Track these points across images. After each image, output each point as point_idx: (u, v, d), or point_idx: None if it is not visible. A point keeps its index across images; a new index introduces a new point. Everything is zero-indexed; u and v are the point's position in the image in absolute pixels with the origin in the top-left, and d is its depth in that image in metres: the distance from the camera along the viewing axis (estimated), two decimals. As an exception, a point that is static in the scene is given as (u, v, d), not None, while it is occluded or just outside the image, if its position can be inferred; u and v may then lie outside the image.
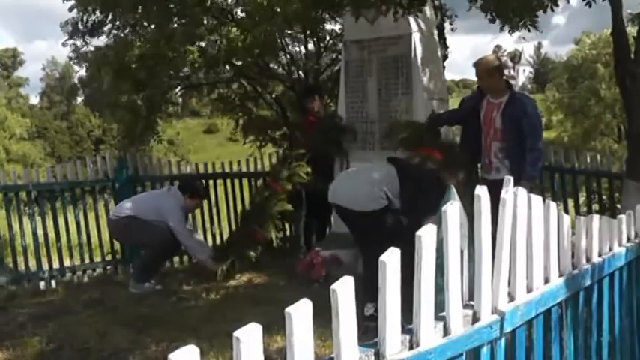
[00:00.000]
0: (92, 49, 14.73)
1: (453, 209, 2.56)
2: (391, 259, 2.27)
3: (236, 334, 1.83)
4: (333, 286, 2.10)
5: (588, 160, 9.61)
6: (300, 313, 1.98)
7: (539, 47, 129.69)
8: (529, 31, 7.77)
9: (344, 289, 2.11)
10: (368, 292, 3.76)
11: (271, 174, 9.31)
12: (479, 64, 7.71)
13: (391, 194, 6.68)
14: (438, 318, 2.57)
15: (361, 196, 6.68)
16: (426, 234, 2.40)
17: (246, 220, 9.18)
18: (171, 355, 1.75)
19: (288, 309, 1.97)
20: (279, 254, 9.61)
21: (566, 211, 9.40)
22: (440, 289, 2.60)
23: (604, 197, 9.69)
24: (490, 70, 7.61)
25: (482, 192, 2.74)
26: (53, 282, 9.51)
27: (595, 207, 9.66)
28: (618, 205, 8.76)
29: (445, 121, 8.49)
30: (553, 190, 9.76)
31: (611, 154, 9.79)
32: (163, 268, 9.17)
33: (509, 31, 8.04)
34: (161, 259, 8.98)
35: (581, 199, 10.18)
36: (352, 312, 2.14)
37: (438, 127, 8.35)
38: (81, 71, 17.81)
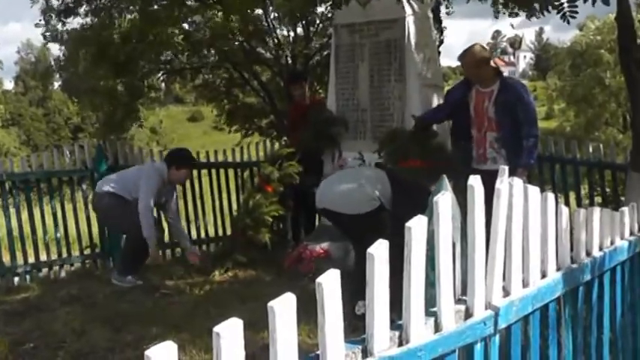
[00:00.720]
0: (65, 28, 14.61)
1: (444, 199, 2.57)
2: (379, 251, 2.27)
3: (216, 329, 1.84)
4: (319, 279, 2.11)
5: (591, 150, 9.63)
6: (284, 307, 1.99)
7: (540, 33, 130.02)
8: (531, 17, 7.81)
9: (329, 283, 2.12)
10: (360, 290, 3.76)
11: (262, 175, 9.26)
12: (464, 56, 7.77)
13: (382, 196, 6.69)
14: (429, 314, 2.57)
15: (353, 198, 6.67)
16: (416, 225, 2.41)
17: (238, 224, 9.15)
18: (148, 352, 1.76)
19: (270, 303, 1.98)
20: (266, 248, 9.61)
21: (568, 204, 9.43)
22: (431, 283, 2.61)
23: (607, 189, 9.72)
24: (477, 62, 7.64)
25: (475, 182, 2.74)
26: (28, 277, 9.47)
27: (598, 199, 9.69)
28: (622, 198, 8.79)
29: (431, 120, 8.40)
30: (553, 182, 9.80)
31: (616, 145, 9.78)
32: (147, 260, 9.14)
33: (509, 15, 8.09)
34: (143, 251, 8.80)
35: (583, 192, 10.22)
36: (338, 307, 2.15)
37: (425, 129, 8.30)
38: (57, 53, 17.71)
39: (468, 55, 7.68)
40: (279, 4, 12.44)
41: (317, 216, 10.17)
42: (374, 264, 2.26)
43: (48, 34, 15.11)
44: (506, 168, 3.04)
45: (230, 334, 1.85)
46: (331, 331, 2.13)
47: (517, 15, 8.33)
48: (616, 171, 9.39)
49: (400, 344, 2.40)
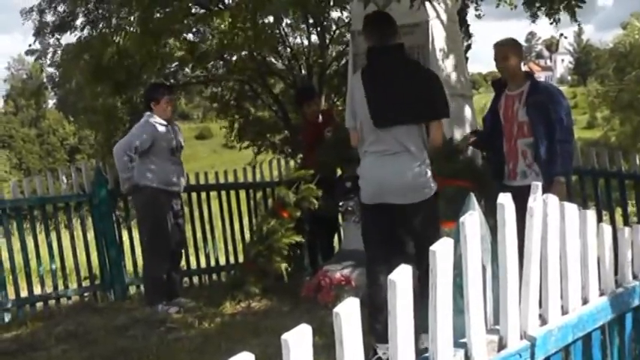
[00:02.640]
0: (58, 44, 14.72)
1: (472, 220, 2.58)
2: (401, 277, 2.28)
3: (285, 336, 1.85)
4: (336, 309, 2.12)
5: (638, 162, 9.59)
6: (299, 340, 2.00)
7: (580, 33, 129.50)
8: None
9: (348, 312, 2.13)
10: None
11: (277, 199, 9.30)
12: (496, 45, 7.68)
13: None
14: (458, 345, 2.57)
15: (419, 184, 6.42)
16: (441, 248, 2.42)
17: (251, 252, 9.19)
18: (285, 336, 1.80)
19: (284, 336, 1.99)
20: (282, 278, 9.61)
21: (613, 222, 9.39)
22: (460, 311, 2.61)
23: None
24: (504, 51, 7.51)
25: (505, 199, 2.75)
26: (21, 313, 9.50)
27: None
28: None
29: (483, 144, 8.29)
30: (597, 198, 9.76)
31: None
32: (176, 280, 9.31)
33: (546, 14, 8.09)
34: (157, 270, 9.00)
35: (631, 208, 10.18)
36: (358, 338, 2.16)
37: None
38: (50, 70, 17.67)
39: (496, 45, 7.62)
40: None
41: (338, 241, 10.22)
42: (396, 293, 2.27)
43: (37, 47, 15.25)
44: (539, 184, 3.03)
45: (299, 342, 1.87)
46: (351, 366, 2.14)
47: (556, 14, 8.29)
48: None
49: (428, 380, 2.41)
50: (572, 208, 3.17)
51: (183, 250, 9.82)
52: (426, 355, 2.45)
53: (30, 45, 14.76)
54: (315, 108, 10.26)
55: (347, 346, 2.13)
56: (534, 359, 2.85)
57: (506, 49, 7.44)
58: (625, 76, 51.81)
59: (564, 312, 3.17)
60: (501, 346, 2.75)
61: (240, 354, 1.93)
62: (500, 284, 2.78)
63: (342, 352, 2.12)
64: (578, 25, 10.82)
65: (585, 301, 3.36)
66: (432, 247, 2.42)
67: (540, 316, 3.00)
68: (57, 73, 17.52)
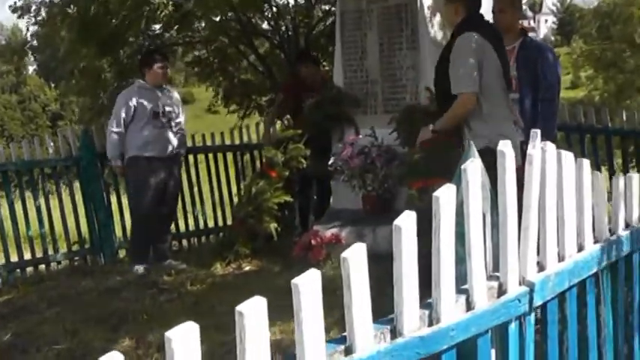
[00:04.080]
0: (46, 1, 14.51)
1: (473, 167, 2.60)
2: (406, 222, 2.31)
3: (239, 308, 1.88)
4: (344, 254, 2.15)
5: (624, 118, 9.64)
6: (309, 284, 2.03)
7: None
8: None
9: (356, 257, 2.16)
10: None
11: (265, 159, 9.31)
12: None
13: None
14: (460, 291, 2.61)
15: None
16: (444, 194, 2.44)
17: (240, 213, 9.21)
18: (168, 333, 1.81)
19: (294, 280, 2.02)
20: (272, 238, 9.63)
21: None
22: (461, 259, 2.64)
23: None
24: (502, 2, 7.39)
25: (505, 147, 2.77)
26: (11, 278, 9.53)
27: (634, 171, 9.72)
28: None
29: None
30: (583, 154, 9.81)
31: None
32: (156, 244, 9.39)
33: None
34: (140, 234, 9.27)
35: (617, 164, 10.24)
36: (366, 283, 2.19)
37: None
38: (30, 29, 17.42)
39: None
40: None
41: (326, 200, 10.25)
42: (401, 237, 2.30)
43: (19, 3, 14.96)
44: (538, 131, 3.05)
45: (255, 313, 1.90)
46: (359, 309, 2.17)
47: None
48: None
49: (430, 324, 2.44)
50: (569, 157, 3.20)
51: (172, 214, 9.89)
52: (430, 300, 2.48)
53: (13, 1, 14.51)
54: (313, 70, 10.27)
55: (355, 290, 2.16)
56: (533, 304, 2.88)
57: (504, 1, 7.34)
58: (609, 35, 51.79)
59: (561, 259, 3.21)
60: (501, 291, 2.78)
61: (254, 298, 1.95)
62: (500, 231, 2.81)
63: (350, 296, 2.15)
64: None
65: (580, 248, 3.39)
66: (435, 193, 2.45)
67: (538, 262, 3.04)
68: (38, 34, 17.27)
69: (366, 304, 2.19)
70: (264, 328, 1.89)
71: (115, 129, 9.04)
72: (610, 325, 3.64)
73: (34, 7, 14.66)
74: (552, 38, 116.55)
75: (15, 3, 14.86)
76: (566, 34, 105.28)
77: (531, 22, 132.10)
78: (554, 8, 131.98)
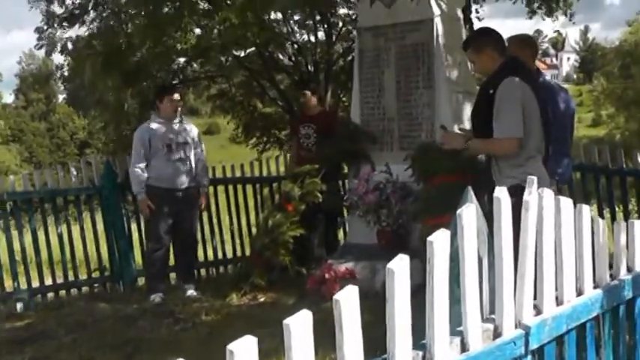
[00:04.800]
0: (69, 36, 14.70)
1: (469, 212, 2.64)
2: (400, 266, 2.35)
3: (230, 347, 1.92)
4: (336, 296, 2.19)
5: (640, 159, 9.62)
6: (300, 325, 2.07)
7: (586, 32, 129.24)
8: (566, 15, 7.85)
9: (348, 300, 2.20)
10: None
11: (282, 193, 9.41)
12: (507, 40, 7.22)
13: None
14: (454, 333, 2.63)
15: None
16: (439, 239, 2.48)
17: (257, 245, 9.28)
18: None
19: (286, 321, 2.06)
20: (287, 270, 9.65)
21: (614, 218, 9.43)
22: (457, 300, 2.67)
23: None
24: (517, 44, 7.32)
25: (501, 193, 2.81)
26: (32, 303, 9.59)
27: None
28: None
29: None
30: (598, 195, 9.79)
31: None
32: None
33: (545, 13, 8.15)
34: (153, 263, 9.43)
35: (631, 205, 10.21)
36: (357, 324, 2.22)
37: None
38: (59, 60, 17.67)
39: (512, 37, 7.41)
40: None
41: (335, 234, 10.33)
42: (394, 281, 2.34)
43: (46, 41, 15.17)
44: (535, 178, 3.09)
45: (244, 351, 1.94)
46: (350, 349, 2.20)
47: (553, 16, 8.40)
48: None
49: (425, 366, 2.48)
50: (567, 202, 3.23)
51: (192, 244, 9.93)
52: (424, 342, 2.51)
53: (39, 34, 14.68)
54: (303, 99, 10.42)
55: (346, 331, 2.20)
56: (529, 347, 2.90)
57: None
58: (631, 74, 51.66)
59: (559, 303, 3.23)
60: (497, 334, 2.80)
61: (243, 338, 1.99)
62: (496, 275, 2.84)
63: (342, 336, 2.19)
64: (574, 22, 10.94)
65: (580, 293, 3.41)
66: (429, 238, 2.49)
67: (535, 306, 3.06)
68: (67, 63, 17.49)
69: (357, 344, 2.22)
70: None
71: (136, 165, 9.22)
72: (610, 368, 3.65)
73: (59, 44, 14.83)
74: (574, 76, 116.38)
75: (39, 34, 15.05)
76: (588, 72, 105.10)
77: (554, 59, 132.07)
78: (576, 46, 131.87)
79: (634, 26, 53.74)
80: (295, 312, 6.39)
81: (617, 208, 9.99)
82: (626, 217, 9.79)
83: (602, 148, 10.17)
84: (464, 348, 2.64)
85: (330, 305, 6.41)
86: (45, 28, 14.40)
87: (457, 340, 2.63)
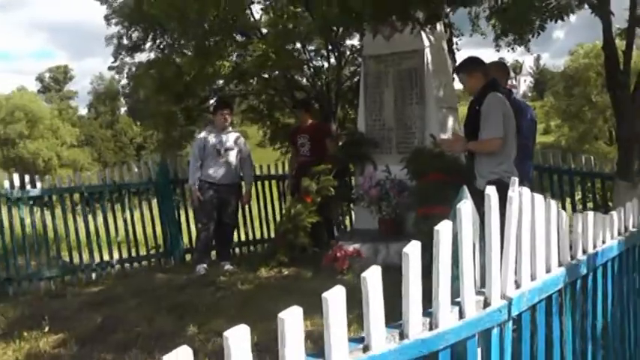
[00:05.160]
0: (133, 61, 14.79)
1: (466, 206, 2.62)
2: (413, 250, 2.33)
3: (280, 315, 1.90)
4: (363, 274, 2.16)
5: (584, 162, 9.64)
6: (335, 297, 2.04)
7: (538, 59, 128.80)
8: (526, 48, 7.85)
9: (373, 277, 2.17)
10: None
11: (302, 187, 9.41)
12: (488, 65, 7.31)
13: None
14: (453, 303, 2.60)
15: None
16: (443, 228, 2.47)
17: (281, 229, 9.30)
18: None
19: (324, 294, 2.03)
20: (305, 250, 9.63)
21: (564, 209, 9.39)
22: (455, 277, 2.64)
23: (597, 196, 9.70)
24: (460, 78, 7.06)
25: (491, 191, 2.79)
26: (104, 273, 9.65)
27: (589, 205, 9.67)
28: (610, 203, 8.79)
29: None
30: (552, 190, 9.78)
31: (604, 156, 9.81)
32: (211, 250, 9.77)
33: (510, 46, 8.13)
34: (200, 241, 9.58)
35: (577, 198, 10.20)
36: (380, 297, 2.20)
37: None
38: (122, 81, 17.83)
39: (490, 64, 7.19)
40: (307, 26, 12.58)
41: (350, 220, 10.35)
42: (409, 262, 2.32)
43: (116, 64, 15.24)
44: (516, 179, 3.08)
45: (292, 318, 1.91)
46: (375, 318, 2.18)
47: (513, 47, 8.43)
48: (605, 179, 9.39)
49: (430, 329, 2.45)
50: (540, 198, 3.20)
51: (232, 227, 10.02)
52: (430, 310, 2.49)
53: (112, 62, 14.81)
54: (300, 114, 10.55)
55: (372, 303, 2.17)
56: (511, 314, 2.87)
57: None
58: (572, 93, 51.72)
59: (533, 278, 3.20)
60: (486, 304, 2.77)
61: (291, 307, 1.96)
62: (486, 257, 2.81)
63: (368, 307, 2.17)
64: (528, 50, 10.92)
65: (548, 270, 3.38)
66: (436, 227, 2.47)
67: (515, 281, 3.03)
68: (129, 85, 17.57)
69: (380, 313, 2.20)
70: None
71: (192, 163, 9.42)
72: (569, 330, 3.62)
73: (126, 67, 14.95)
74: (529, 94, 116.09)
75: (112, 62, 15.14)
76: (540, 91, 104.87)
77: (513, 81, 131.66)
78: (531, 71, 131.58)
79: (575, 55, 53.74)
80: (313, 283, 6.42)
81: (566, 200, 9.97)
82: (574, 208, 9.79)
83: (556, 152, 10.17)
84: (461, 315, 2.62)
85: (341, 277, 6.47)
86: (117, 55, 14.47)
87: (456, 309, 2.60)
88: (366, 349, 2.19)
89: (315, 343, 4.76)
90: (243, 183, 9.96)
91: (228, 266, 9.20)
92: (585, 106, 50.62)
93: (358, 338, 2.23)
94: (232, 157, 9.44)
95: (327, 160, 9.46)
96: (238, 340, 1.78)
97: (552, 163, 9.82)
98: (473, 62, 6.81)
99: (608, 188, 9.33)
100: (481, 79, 6.60)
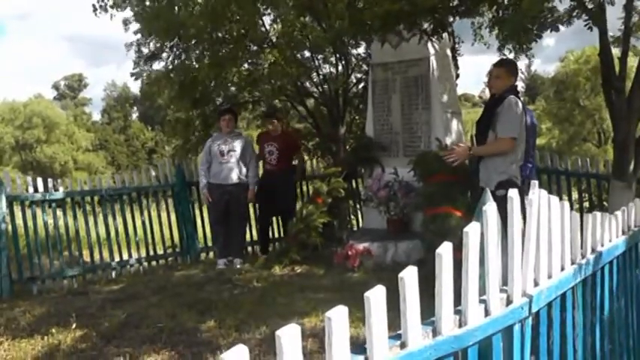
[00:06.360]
0: (151, 69, 14.76)
1: (491, 209, 2.62)
2: (445, 251, 2.33)
3: (328, 314, 1.89)
4: (401, 274, 2.15)
5: (579, 163, 9.62)
6: (377, 296, 2.04)
7: (530, 65, 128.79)
8: (525, 55, 7.88)
9: (410, 278, 2.17)
10: None
11: (313, 189, 9.54)
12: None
13: None
14: (480, 301, 2.60)
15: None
16: (472, 231, 2.46)
17: (294, 229, 9.27)
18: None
19: (367, 293, 2.02)
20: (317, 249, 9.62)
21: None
22: (479, 276, 2.64)
23: (593, 196, 9.69)
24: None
25: (514, 194, 2.79)
26: (123, 271, 9.67)
27: (586, 204, 9.66)
28: (605, 203, 8.78)
29: None
30: (550, 190, 9.75)
31: (592, 158, 9.78)
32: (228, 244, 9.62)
33: (514, 54, 8.13)
34: (215, 239, 9.95)
35: (573, 198, 10.18)
36: (416, 296, 2.20)
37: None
38: (134, 90, 17.99)
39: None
40: (316, 37, 12.59)
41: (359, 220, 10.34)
42: (442, 263, 2.32)
43: (136, 70, 15.22)
44: (536, 182, 3.07)
45: (339, 317, 1.90)
46: (411, 315, 2.18)
47: (517, 57, 8.41)
48: (600, 180, 9.38)
49: (460, 326, 2.45)
50: (555, 200, 3.20)
51: (245, 225, 10.08)
52: (459, 307, 2.48)
53: (133, 69, 14.78)
54: (271, 126, 10.27)
55: (408, 301, 2.17)
56: (531, 311, 2.87)
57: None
58: (562, 97, 51.70)
59: (549, 276, 3.19)
60: (509, 301, 2.77)
61: (337, 307, 1.95)
62: (508, 256, 2.81)
63: (405, 305, 2.17)
64: (528, 58, 10.87)
65: (562, 268, 3.38)
66: (465, 229, 2.46)
67: (534, 279, 3.03)
68: (146, 92, 17.53)
69: (416, 311, 2.20)
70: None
71: (201, 168, 9.65)
72: (581, 324, 3.61)
73: (145, 74, 14.95)
74: (522, 98, 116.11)
75: (133, 69, 15.12)
76: (531, 95, 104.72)
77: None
78: (522, 76, 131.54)
79: (564, 61, 53.70)
80: (325, 280, 6.38)
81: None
82: (570, 208, 9.74)
83: (552, 155, 10.15)
84: (487, 313, 2.61)
85: (352, 275, 6.43)
86: (136, 63, 14.44)
87: (482, 307, 2.60)
88: (403, 345, 2.20)
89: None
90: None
91: (239, 265, 9.20)
92: (575, 110, 50.59)
93: (395, 335, 2.23)
94: (235, 158, 9.46)
95: (293, 173, 9.95)
96: (290, 338, 1.77)
97: (550, 164, 9.80)
98: (515, 66, 6.98)
99: (603, 189, 9.31)
100: (510, 81, 6.75)
